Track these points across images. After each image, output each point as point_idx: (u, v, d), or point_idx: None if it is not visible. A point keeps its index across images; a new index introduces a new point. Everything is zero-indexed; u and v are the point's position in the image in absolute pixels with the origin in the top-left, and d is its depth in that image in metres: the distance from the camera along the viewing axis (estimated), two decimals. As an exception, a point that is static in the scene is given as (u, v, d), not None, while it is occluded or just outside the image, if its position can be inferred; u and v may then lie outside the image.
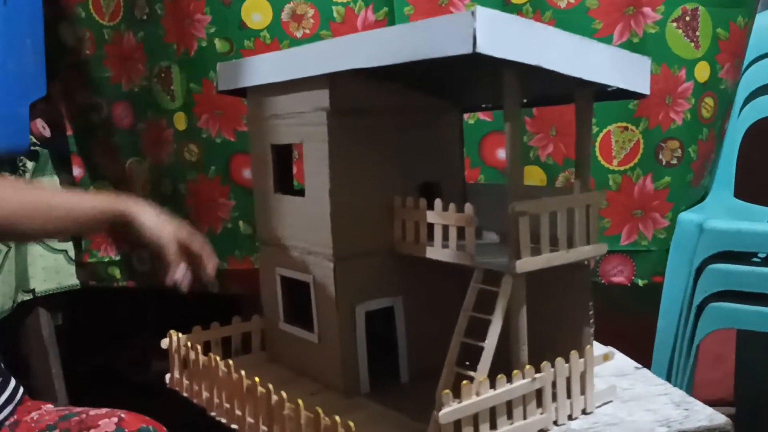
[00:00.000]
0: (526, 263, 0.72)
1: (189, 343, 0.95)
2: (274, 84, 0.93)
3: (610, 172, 1.39)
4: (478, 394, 0.69)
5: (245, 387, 0.82)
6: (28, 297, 1.72)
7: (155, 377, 2.13)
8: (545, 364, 0.73)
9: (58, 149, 1.63)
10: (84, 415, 0.87)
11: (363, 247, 0.87)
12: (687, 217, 1.37)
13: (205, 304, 1.98)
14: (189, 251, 0.90)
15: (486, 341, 0.71)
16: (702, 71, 1.39)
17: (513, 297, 0.72)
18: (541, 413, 0.74)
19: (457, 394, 0.68)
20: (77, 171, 1.60)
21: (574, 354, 0.74)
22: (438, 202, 0.81)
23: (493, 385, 0.70)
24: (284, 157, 0.93)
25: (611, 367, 0.91)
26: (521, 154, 0.72)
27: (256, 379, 0.80)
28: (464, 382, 0.69)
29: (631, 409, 0.80)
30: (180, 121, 1.48)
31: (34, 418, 0.91)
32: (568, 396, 0.76)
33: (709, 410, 0.79)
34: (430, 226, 0.81)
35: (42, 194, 0.93)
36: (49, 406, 0.94)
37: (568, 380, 0.75)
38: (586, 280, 0.78)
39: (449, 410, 0.67)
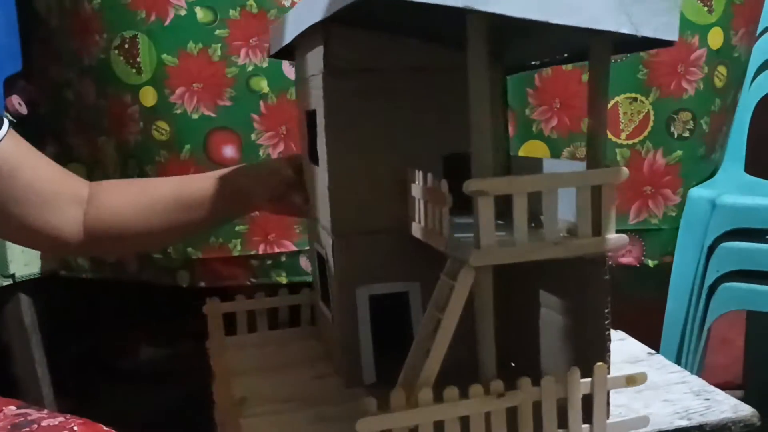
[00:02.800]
0: (487, 255, 0.59)
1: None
2: (305, 42, 0.84)
3: (618, 146, 1.31)
4: (416, 405, 0.59)
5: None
6: (7, 282, 1.66)
7: (139, 365, 2.10)
8: (524, 380, 0.61)
9: (35, 127, 1.55)
10: (35, 426, 0.79)
11: (369, 224, 0.77)
12: (698, 193, 1.29)
13: (189, 293, 1.94)
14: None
15: (434, 344, 0.60)
16: (715, 37, 1.30)
17: (477, 293, 0.60)
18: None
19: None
20: (52, 151, 1.51)
21: (574, 372, 0.61)
22: (417, 174, 0.71)
23: (439, 396, 0.60)
24: (313, 125, 0.84)
25: (623, 354, 0.84)
26: (487, 118, 0.59)
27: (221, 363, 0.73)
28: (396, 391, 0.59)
29: (647, 399, 0.71)
30: (147, 97, 1.38)
31: None
32: (563, 424, 0.62)
33: (733, 401, 0.71)
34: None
35: (163, 188, 0.93)
36: (12, 407, 0.87)
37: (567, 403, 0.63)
38: (602, 281, 0.62)
39: (369, 419, 0.58)
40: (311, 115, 0.83)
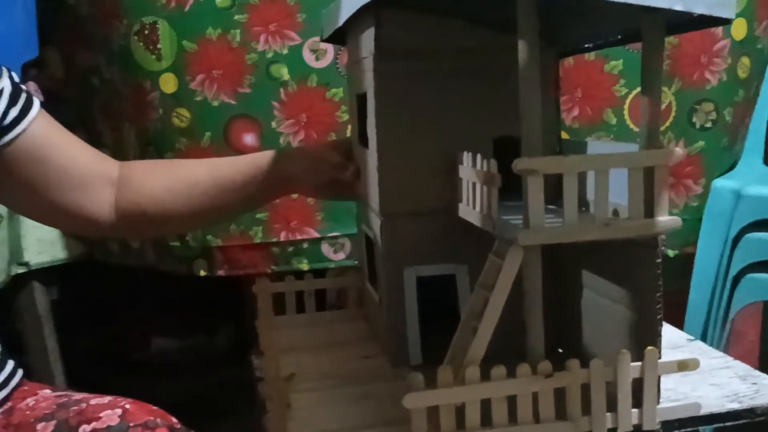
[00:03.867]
0: (535, 234, 0.59)
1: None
2: (357, 25, 0.84)
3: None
4: (463, 383, 0.59)
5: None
6: (22, 270, 1.65)
7: (153, 356, 2.10)
8: (572, 362, 0.61)
9: (61, 114, 1.54)
10: (84, 405, 0.79)
11: (417, 205, 0.77)
12: (722, 183, 1.29)
13: (202, 284, 1.94)
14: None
15: (481, 323, 0.60)
16: (739, 28, 1.29)
17: (525, 273, 0.60)
18: (564, 419, 0.61)
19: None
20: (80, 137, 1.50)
21: (624, 355, 0.61)
22: (467, 156, 0.70)
23: (487, 375, 0.59)
24: (363, 108, 0.84)
25: (663, 340, 0.82)
26: (537, 98, 0.59)
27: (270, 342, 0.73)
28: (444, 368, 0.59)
29: (695, 383, 0.71)
30: (168, 84, 1.37)
31: (30, 405, 0.83)
32: (613, 407, 0.62)
33: (781, 385, 0.71)
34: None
35: (200, 171, 0.91)
36: (47, 391, 0.86)
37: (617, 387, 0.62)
38: (654, 264, 0.61)
39: (416, 395, 0.58)
40: (362, 98, 0.83)
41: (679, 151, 0.60)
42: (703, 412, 0.65)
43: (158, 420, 0.74)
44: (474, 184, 0.69)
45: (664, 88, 1.29)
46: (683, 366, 0.63)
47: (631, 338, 0.65)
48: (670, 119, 1.30)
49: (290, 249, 1.40)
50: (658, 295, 0.62)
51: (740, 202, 1.22)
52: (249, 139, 1.37)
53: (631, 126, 1.29)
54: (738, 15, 1.29)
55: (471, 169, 0.69)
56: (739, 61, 1.30)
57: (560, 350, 0.77)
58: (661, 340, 0.62)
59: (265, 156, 0.92)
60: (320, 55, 1.36)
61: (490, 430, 0.60)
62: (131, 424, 0.72)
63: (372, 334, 0.89)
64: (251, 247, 1.39)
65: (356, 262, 1.40)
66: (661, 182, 0.60)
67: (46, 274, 1.69)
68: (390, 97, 0.75)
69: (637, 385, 0.62)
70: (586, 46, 0.85)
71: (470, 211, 0.70)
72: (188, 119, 1.36)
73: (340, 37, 0.94)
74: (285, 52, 1.35)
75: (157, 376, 2.03)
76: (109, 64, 1.45)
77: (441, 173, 0.76)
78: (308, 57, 1.35)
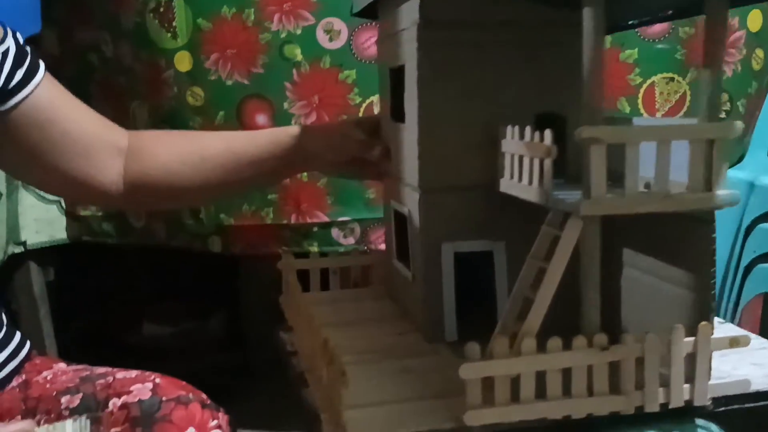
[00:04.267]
0: (597, 205, 0.58)
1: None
2: None
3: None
4: (519, 354, 0.58)
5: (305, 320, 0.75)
6: (19, 250, 1.62)
7: (145, 341, 2.07)
8: (628, 336, 0.60)
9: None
10: (111, 378, 0.77)
11: (457, 180, 0.76)
12: (734, 174, 1.29)
13: (201, 265, 1.92)
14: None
15: (538, 294, 0.60)
16: (755, 20, 1.30)
17: (583, 245, 0.60)
18: (618, 393, 0.60)
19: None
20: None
21: (678, 329, 0.60)
22: (509, 130, 0.70)
23: (543, 347, 0.59)
24: (399, 82, 0.83)
25: None
26: (601, 67, 0.58)
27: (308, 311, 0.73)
28: (500, 339, 0.58)
29: (735, 363, 0.70)
30: (183, 62, 1.35)
31: (48, 378, 0.81)
32: (664, 382, 0.61)
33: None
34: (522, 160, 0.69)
35: (215, 143, 0.89)
36: (62, 365, 0.84)
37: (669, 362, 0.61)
38: (709, 239, 0.61)
39: (472, 366, 0.57)
40: (397, 72, 0.82)
41: (740, 124, 0.59)
42: (752, 389, 0.65)
43: (190, 395, 0.73)
44: (521, 158, 0.68)
45: (680, 78, 1.29)
46: (734, 342, 0.63)
47: (681, 315, 0.64)
48: (685, 109, 1.31)
49: (300, 232, 1.39)
50: (712, 270, 0.62)
51: (753, 193, 1.23)
52: (261, 119, 1.36)
53: (645, 115, 1.29)
54: (754, 7, 1.29)
55: (518, 143, 0.68)
56: (753, 52, 1.31)
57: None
58: (714, 316, 0.62)
59: (285, 132, 0.90)
60: (334, 36, 1.34)
61: (543, 402, 0.60)
62: (164, 398, 0.71)
63: (401, 311, 0.88)
64: (262, 227, 1.38)
65: (365, 247, 1.39)
66: (721, 155, 0.59)
67: (43, 254, 1.66)
68: (433, 68, 0.74)
69: (688, 361, 0.62)
70: (631, 23, 0.84)
71: (515, 185, 0.70)
72: (202, 98, 1.34)
73: (371, 11, 0.93)
74: (298, 32, 1.34)
75: (150, 360, 2.01)
76: (116, 42, 1.42)
77: (481, 147, 0.75)
78: (322, 37, 1.34)
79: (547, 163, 0.63)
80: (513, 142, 0.70)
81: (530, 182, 0.66)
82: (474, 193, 0.76)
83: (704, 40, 0.60)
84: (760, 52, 1.33)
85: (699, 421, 0.66)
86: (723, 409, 0.64)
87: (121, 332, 2.06)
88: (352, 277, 0.97)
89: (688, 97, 1.31)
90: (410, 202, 0.80)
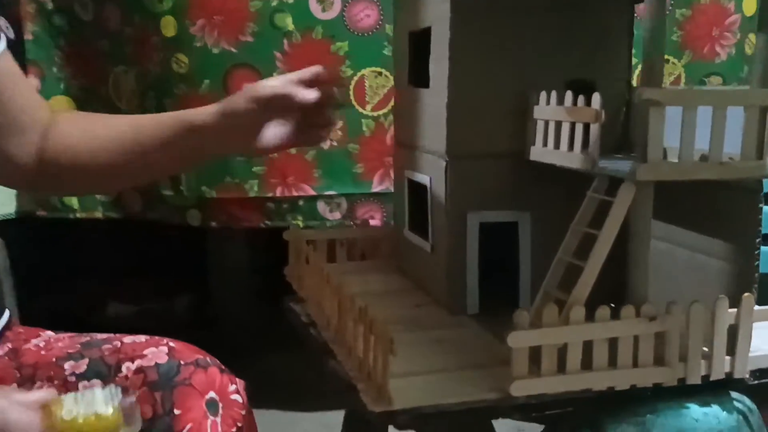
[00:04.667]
0: (654, 170, 0.56)
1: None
2: None
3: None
4: (567, 323, 0.57)
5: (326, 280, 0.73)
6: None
7: (109, 320, 2.00)
8: (675, 306, 0.59)
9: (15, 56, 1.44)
10: (118, 343, 0.73)
11: (484, 147, 0.74)
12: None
13: (169, 242, 1.86)
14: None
15: (588, 260, 0.58)
16: (750, 4, 1.31)
17: (635, 211, 0.58)
18: (662, 364, 0.59)
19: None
20: (33, 83, 1.40)
21: (722, 300, 0.59)
22: (543, 95, 0.68)
23: (591, 316, 0.58)
24: (421, 45, 0.80)
25: None
26: (664, 28, 0.57)
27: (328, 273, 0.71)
28: (549, 308, 0.56)
29: (762, 338, 0.68)
30: (168, 27, 1.30)
31: (41, 346, 0.76)
32: (706, 355, 0.60)
33: None
34: (559, 126, 0.67)
35: (122, 125, 0.79)
36: (50, 333, 0.79)
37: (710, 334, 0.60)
38: (756, 209, 0.60)
39: (521, 334, 0.56)
40: (419, 36, 0.79)
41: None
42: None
43: (207, 359, 0.69)
44: (558, 124, 0.66)
45: (675, 60, 1.30)
46: (778, 314, 0.62)
47: (720, 287, 0.64)
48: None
49: (285, 205, 1.35)
50: (757, 240, 0.61)
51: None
52: (249, 89, 1.31)
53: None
54: (751, -10, 1.31)
55: (557, 108, 0.67)
56: (746, 37, 1.32)
57: (612, 305, 0.75)
58: (756, 288, 0.62)
59: (194, 111, 0.78)
60: (327, 7, 1.31)
61: (589, 373, 0.58)
62: (182, 362, 0.67)
63: (415, 285, 0.85)
64: (246, 200, 1.34)
65: (351, 223, 1.36)
66: (774, 124, 0.58)
67: (7, 227, 1.59)
68: (464, 30, 0.72)
69: (729, 333, 0.61)
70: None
71: (550, 152, 0.68)
72: (186, 65, 1.29)
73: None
74: (290, 0, 1.29)
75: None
76: (97, 5, 1.36)
77: (510, 114, 0.73)
78: (314, 7, 1.30)
79: (595, 128, 0.61)
80: (550, 108, 0.68)
81: (570, 148, 0.64)
82: (501, 161, 0.74)
83: (760, 6, 0.59)
84: (753, 37, 1.34)
85: (734, 395, 0.65)
86: (758, 382, 0.64)
87: (84, 312, 1.99)
88: (359, 250, 0.94)
89: (683, 79, 1.31)
90: (433, 171, 0.77)
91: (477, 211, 0.74)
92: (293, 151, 1.32)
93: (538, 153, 0.70)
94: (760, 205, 0.60)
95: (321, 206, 1.35)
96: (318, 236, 0.91)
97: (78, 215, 1.48)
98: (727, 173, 0.58)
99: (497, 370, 0.60)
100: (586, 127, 0.62)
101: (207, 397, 0.66)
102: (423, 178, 0.80)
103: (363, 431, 0.88)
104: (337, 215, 1.36)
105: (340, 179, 1.35)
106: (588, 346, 0.58)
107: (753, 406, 0.66)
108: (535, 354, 0.57)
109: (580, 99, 0.63)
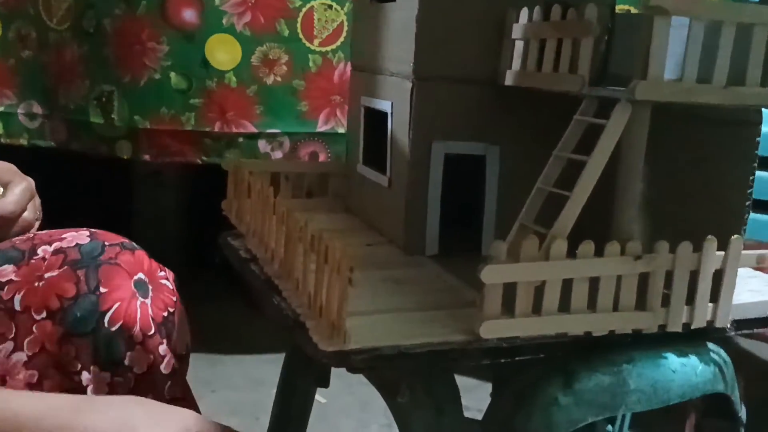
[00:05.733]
0: (655, 88, 0.50)
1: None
2: None
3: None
4: (547, 258, 0.51)
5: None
6: None
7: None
8: (661, 244, 0.53)
9: None
10: (31, 234, 0.65)
11: (454, 70, 0.66)
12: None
13: (90, 180, 1.72)
14: None
15: (575, 188, 0.52)
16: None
17: (629, 137, 0.52)
18: (643, 309, 0.53)
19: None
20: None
21: (710, 241, 0.53)
22: (524, 12, 0.61)
23: (573, 252, 0.51)
24: None
25: None
26: None
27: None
28: (529, 240, 0.50)
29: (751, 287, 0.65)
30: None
31: None
32: (689, 300, 0.55)
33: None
34: (543, 46, 0.60)
35: None
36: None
37: (695, 277, 0.54)
38: (752, 144, 0.55)
39: (497, 268, 0.49)
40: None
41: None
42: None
43: (134, 244, 0.64)
44: (543, 42, 0.59)
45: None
46: (762, 259, 0.57)
47: (708, 229, 0.58)
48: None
49: (223, 142, 1.25)
50: (751, 179, 0.56)
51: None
52: (189, 15, 1.21)
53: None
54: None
55: (543, 24, 0.59)
56: None
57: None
58: (745, 230, 0.57)
59: None
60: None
61: (567, 315, 0.52)
62: (106, 243, 0.61)
63: (367, 224, 0.78)
64: (182, 134, 1.24)
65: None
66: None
67: None
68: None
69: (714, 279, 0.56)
70: None
71: (531, 74, 0.61)
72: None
73: None
74: None
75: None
76: None
77: (485, 35, 0.66)
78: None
79: (587, 42, 0.54)
80: (532, 25, 0.61)
81: (556, 69, 0.58)
82: (472, 87, 0.67)
83: None
84: None
85: (711, 346, 0.61)
86: (737, 333, 0.59)
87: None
88: (306, 186, 0.86)
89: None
90: (396, 95, 0.69)
91: (442, 141, 0.67)
92: (233, 84, 1.23)
93: (516, 77, 0.63)
94: (758, 139, 0.55)
95: (262, 144, 1.26)
96: (260, 168, 0.82)
97: (2, 140, 1.35)
98: (729, 98, 0.52)
99: (463, 312, 0.53)
100: (575, 45, 0.56)
101: (135, 277, 0.61)
102: (383, 105, 0.72)
103: (305, 377, 0.81)
104: (278, 154, 1.28)
105: (284, 117, 1.27)
106: (566, 287, 0.52)
107: (728, 358, 0.62)
108: (507, 294, 0.51)
109: (571, 11, 0.56)
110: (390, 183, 0.72)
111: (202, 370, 1.39)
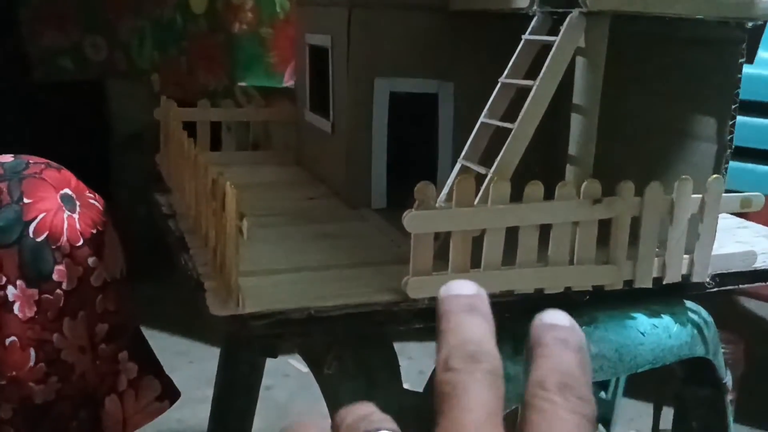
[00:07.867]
0: None
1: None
2: None
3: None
4: (486, 202, 0.43)
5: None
6: None
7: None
8: (625, 185, 0.45)
9: None
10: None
11: None
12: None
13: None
14: None
15: (519, 119, 0.44)
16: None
17: (584, 57, 0.44)
18: (605, 262, 0.46)
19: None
20: None
21: (684, 181, 0.46)
22: None
23: (519, 195, 0.44)
24: None
25: None
26: None
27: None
28: (463, 179, 0.42)
29: (720, 241, 0.55)
30: None
31: None
32: (661, 251, 0.47)
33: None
34: None
35: None
36: None
37: (666, 224, 0.47)
38: (735, 66, 0.46)
39: (424, 214, 0.42)
40: None
41: None
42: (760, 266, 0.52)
43: (61, 165, 0.62)
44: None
45: None
46: (746, 203, 0.49)
47: (684, 168, 0.50)
48: None
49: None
50: (733, 107, 0.47)
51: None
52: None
53: None
54: None
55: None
56: None
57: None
58: (727, 170, 0.48)
59: None
60: None
61: (512, 270, 0.44)
62: (31, 161, 0.59)
63: (312, 178, 0.70)
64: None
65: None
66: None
67: None
68: None
69: (691, 226, 0.48)
70: None
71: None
72: None
73: None
74: None
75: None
76: None
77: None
78: None
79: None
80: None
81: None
82: (420, 14, 0.59)
83: None
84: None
85: (689, 304, 0.53)
86: (718, 289, 0.51)
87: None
88: (251, 138, 0.78)
89: None
90: (335, 27, 0.61)
91: (387, 77, 0.59)
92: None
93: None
94: (741, 60, 0.46)
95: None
96: (198, 116, 0.74)
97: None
98: (705, 9, 0.44)
99: (395, 268, 0.46)
100: None
101: (62, 192, 0.59)
102: (324, 39, 0.64)
103: (248, 347, 0.75)
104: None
105: (253, 70, 1.19)
106: (512, 237, 0.44)
107: (709, 318, 0.54)
108: (445, 246, 0.43)
109: None
110: (333, 128, 0.64)
111: (179, 341, 1.33)
